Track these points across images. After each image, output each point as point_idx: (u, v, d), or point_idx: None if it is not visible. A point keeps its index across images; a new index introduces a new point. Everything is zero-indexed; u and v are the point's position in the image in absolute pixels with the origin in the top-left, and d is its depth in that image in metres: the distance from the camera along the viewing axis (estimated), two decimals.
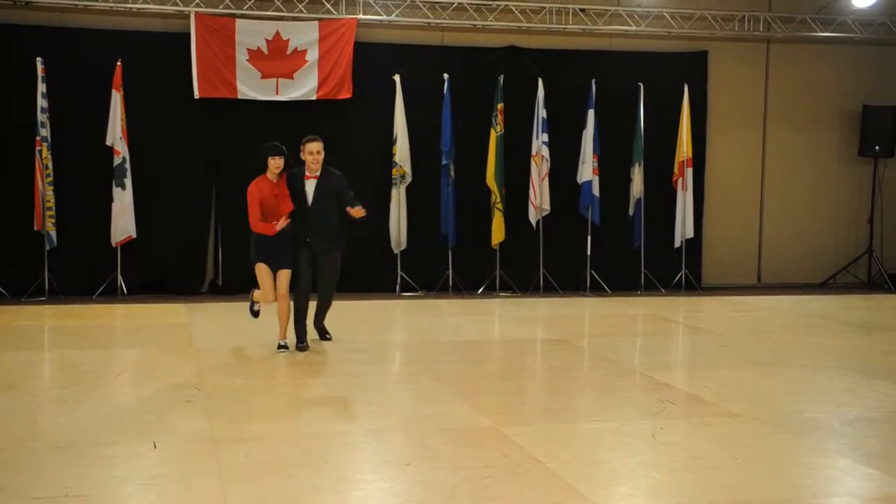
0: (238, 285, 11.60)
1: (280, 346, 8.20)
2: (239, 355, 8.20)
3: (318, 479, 4.83)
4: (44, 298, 11.23)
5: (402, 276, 12.28)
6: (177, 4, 11.63)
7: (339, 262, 8.38)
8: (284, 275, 8.09)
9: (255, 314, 8.82)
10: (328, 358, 8.10)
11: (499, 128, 12.33)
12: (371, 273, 12.23)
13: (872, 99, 13.72)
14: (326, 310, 8.62)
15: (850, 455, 5.39)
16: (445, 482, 4.81)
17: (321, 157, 8.07)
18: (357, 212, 7.97)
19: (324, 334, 8.68)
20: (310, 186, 8.09)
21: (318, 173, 8.11)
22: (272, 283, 8.08)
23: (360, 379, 7.38)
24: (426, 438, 5.67)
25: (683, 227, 12.95)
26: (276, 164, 7.98)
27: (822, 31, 13.47)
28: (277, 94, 11.85)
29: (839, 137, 14.04)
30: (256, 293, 8.51)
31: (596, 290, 12.80)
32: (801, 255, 13.94)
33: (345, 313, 10.34)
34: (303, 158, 8.11)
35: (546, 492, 4.71)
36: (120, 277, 11.56)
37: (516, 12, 12.59)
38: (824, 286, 13.89)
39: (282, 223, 7.88)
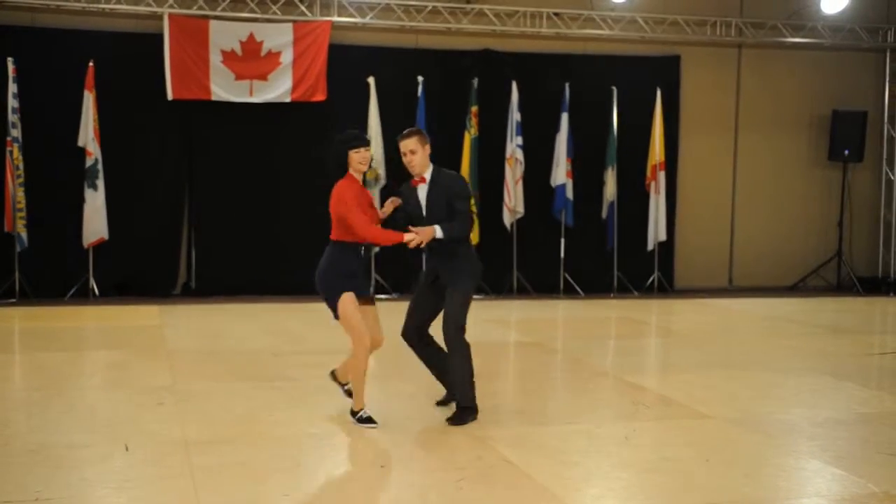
0: (211, 288, 11.56)
1: (362, 420, 5.90)
2: (211, 357, 8.15)
3: (290, 482, 4.83)
4: (14, 300, 11.12)
5: (375, 278, 12.27)
6: (150, 5, 11.56)
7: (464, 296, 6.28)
8: (374, 311, 6.15)
9: (350, 394, 6.11)
10: (300, 361, 8.07)
11: (473, 130, 12.36)
12: None
13: (842, 104, 13.86)
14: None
15: (820, 456, 5.45)
16: (418, 484, 4.83)
17: (415, 157, 6.43)
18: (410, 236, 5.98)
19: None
20: (421, 194, 6.46)
21: (426, 176, 6.50)
22: (365, 322, 5.90)
23: (333, 382, 7.35)
24: (400, 441, 5.68)
25: (656, 230, 13.03)
26: (360, 158, 6.03)
27: (793, 37, 13.60)
28: (251, 95, 11.80)
29: (809, 142, 14.18)
30: (339, 369, 6.27)
31: (569, 292, 12.85)
32: (771, 258, 14.06)
33: (317, 316, 10.31)
34: None
35: (519, 494, 4.73)
36: (92, 279, 11.47)
37: (490, 16, 12.62)
38: (794, 289, 14.02)
39: (389, 207, 6.05)
